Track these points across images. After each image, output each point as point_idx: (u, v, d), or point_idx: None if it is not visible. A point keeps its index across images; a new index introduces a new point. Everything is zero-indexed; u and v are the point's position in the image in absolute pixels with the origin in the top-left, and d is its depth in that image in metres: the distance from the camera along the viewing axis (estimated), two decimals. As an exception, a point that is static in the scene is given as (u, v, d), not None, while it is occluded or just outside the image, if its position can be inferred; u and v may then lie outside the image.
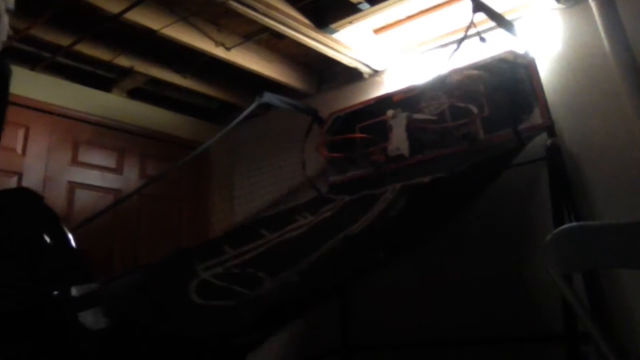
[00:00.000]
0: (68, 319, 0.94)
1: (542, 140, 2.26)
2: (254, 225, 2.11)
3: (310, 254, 1.57)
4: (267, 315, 1.30)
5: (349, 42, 2.73)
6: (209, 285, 1.50)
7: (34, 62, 2.78)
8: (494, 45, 2.48)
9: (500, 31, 2.40)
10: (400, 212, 1.79)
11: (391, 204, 1.94)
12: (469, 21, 2.07)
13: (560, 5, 2.48)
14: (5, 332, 0.93)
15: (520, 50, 2.38)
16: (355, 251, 1.63)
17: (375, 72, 3.07)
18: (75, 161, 2.92)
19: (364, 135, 2.78)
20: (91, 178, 2.97)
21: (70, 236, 1.03)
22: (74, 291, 0.96)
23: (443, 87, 2.54)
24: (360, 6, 2.40)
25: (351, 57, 2.89)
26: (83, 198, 2.89)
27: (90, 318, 0.95)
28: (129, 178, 3.17)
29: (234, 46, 2.80)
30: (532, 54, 2.37)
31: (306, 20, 2.51)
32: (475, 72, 2.43)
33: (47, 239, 0.99)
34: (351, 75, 3.13)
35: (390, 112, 2.68)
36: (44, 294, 0.95)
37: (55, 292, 0.95)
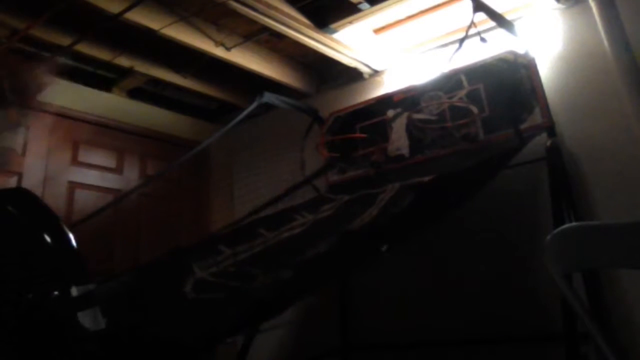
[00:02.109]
0: (67, 319, 0.94)
1: (542, 140, 2.26)
2: (252, 224, 2.11)
3: (306, 251, 1.57)
4: (257, 310, 1.30)
5: (349, 42, 2.73)
6: (205, 282, 1.51)
7: (34, 62, 2.78)
8: (494, 45, 2.47)
9: (501, 31, 2.39)
10: (403, 210, 1.80)
11: (393, 201, 1.94)
12: (469, 21, 2.07)
13: (560, 5, 2.48)
14: (4, 332, 0.93)
15: (521, 50, 2.38)
16: (354, 247, 1.63)
17: (375, 72, 3.07)
18: (75, 161, 2.92)
19: (364, 135, 2.78)
20: (91, 178, 2.97)
21: (71, 236, 1.02)
22: (74, 291, 0.96)
23: (443, 88, 2.54)
24: (360, 6, 2.40)
25: (351, 57, 2.88)
26: (83, 198, 2.89)
27: (89, 319, 0.94)
28: (129, 178, 3.17)
29: (234, 46, 2.80)
30: (533, 54, 2.37)
31: (306, 20, 2.51)
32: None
33: (48, 239, 0.98)
34: (351, 75, 3.13)
35: (390, 112, 2.68)
36: (44, 294, 0.95)
37: (55, 293, 0.95)
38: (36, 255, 0.98)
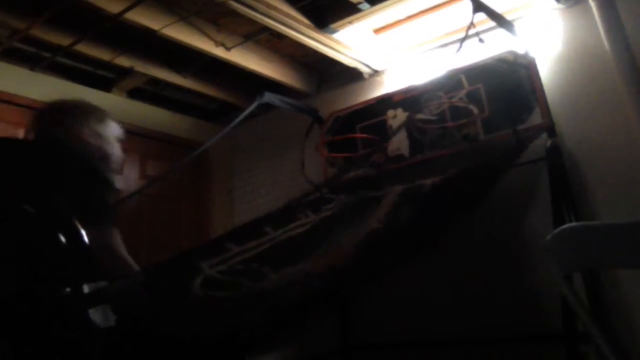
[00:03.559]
0: (79, 316, 0.95)
1: (542, 140, 2.26)
2: (257, 222, 2.11)
3: (313, 253, 1.57)
4: (271, 313, 1.30)
5: (349, 42, 2.73)
6: (214, 280, 1.50)
7: (34, 62, 2.78)
8: (494, 45, 2.47)
9: (501, 31, 2.39)
10: (409, 220, 1.79)
11: (397, 210, 1.92)
12: (469, 21, 2.07)
13: (560, 5, 2.48)
14: (15, 329, 0.93)
15: (521, 50, 2.38)
16: (364, 255, 1.63)
17: (375, 72, 3.07)
18: (75, 161, 2.92)
19: (365, 135, 2.78)
20: (91, 178, 2.97)
21: (84, 233, 1.03)
22: (85, 289, 0.97)
23: (443, 87, 2.54)
24: (360, 6, 2.40)
25: (351, 57, 2.88)
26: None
27: (100, 315, 0.95)
28: (129, 178, 3.17)
29: (234, 46, 2.80)
30: (532, 54, 2.37)
31: (306, 20, 2.51)
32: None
33: (61, 237, 0.99)
34: (351, 75, 3.13)
35: (391, 112, 2.68)
36: (56, 291, 0.95)
37: (68, 290, 0.95)
38: (49, 253, 0.99)
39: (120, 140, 1.67)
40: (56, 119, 1.56)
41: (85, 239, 1.01)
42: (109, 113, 1.67)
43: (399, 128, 2.59)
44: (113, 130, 1.65)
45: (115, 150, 1.64)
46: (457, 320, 2.40)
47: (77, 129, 1.53)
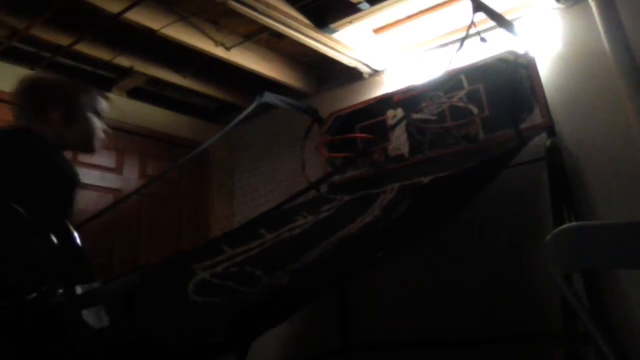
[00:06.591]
0: (72, 317, 0.94)
1: (542, 140, 2.26)
2: (253, 224, 2.11)
3: (305, 255, 1.57)
4: (251, 314, 1.30)
5: (349, 42, 2.73)
6: (208, 284, 1.50)
7: (34, 62, 2.78)
8: (494, 45, 2.47)
9: (501, 31, 2.39)
10: (402, 215, 1.79)
11: (392, 206, 1.93)
12: (469, 21, 2.07)
13: (560, 5, 2.48)
14: (8, 330, 0.93)
15: (521, 50, 2.38)
16: (352, 252, 1.63)
17: (375, 72, 3.07)
18: (75, 161, 2.92)
19: (365, 135, 2.78)
20: (91, 178, 2.97)
21: (76, 235, 1.03)
22: (78, 290, 0.96)
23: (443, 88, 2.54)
24: (360, 6, 2.40)
25: (351, 57, 2.88)
26: (83, 198, 2.89)
27: (93, 317, 0.95)
28: (129, 178, 3.17)
29: (234, 46, 2.80)
30: (533, 54, 2.37)
31: (306, 20, 2.51)
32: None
33: (53, 238, 0.99)
34: (351, 75, 3.13)
35: (390, 113, 2.68)
36: (49, 293, 0.95)
37: (60, 291, 0.95)
38: (42, 254, 0.99)
39: (101, 113, 1.59)
40: (26, 103, 1.43)
41: (78, 240, 1.00)
42: (82, 85, 1.54)
43: (398, 123, 2.59)
44: (89, 105, 1.51)
45: (91, 127, 1.50)
46: (457, 320, 2.40)
47: (43, 114, 1.40)
